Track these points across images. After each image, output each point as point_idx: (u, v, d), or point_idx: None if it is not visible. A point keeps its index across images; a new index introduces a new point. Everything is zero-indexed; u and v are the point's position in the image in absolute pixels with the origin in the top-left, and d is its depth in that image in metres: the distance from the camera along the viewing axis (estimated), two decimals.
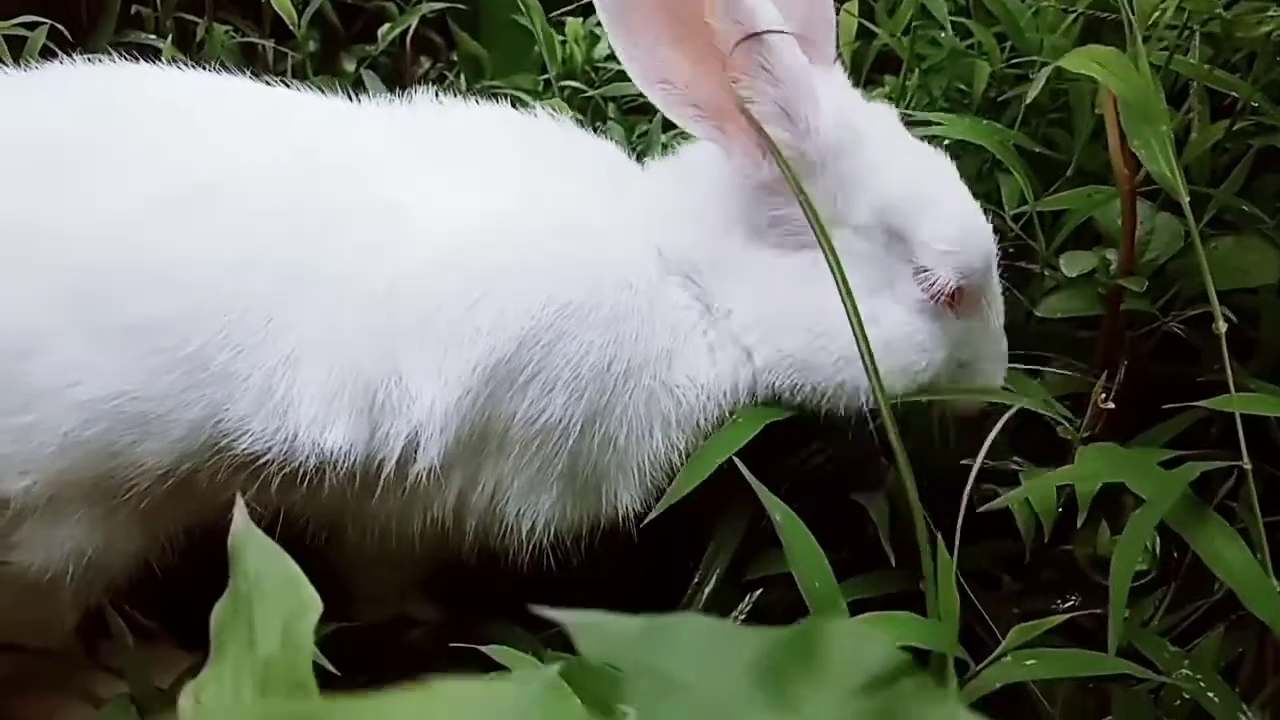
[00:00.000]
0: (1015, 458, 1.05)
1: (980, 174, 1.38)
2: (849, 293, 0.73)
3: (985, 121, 1.27)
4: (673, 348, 0.95)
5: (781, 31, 0.87)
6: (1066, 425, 0.99)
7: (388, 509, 0.93)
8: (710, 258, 0.96)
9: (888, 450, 0.98)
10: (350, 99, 1.02)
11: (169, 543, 0.93)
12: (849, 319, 0.74)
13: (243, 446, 0.85)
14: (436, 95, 1.02)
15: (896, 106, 1.45)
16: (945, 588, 0.72)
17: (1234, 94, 1.13)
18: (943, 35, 1.47)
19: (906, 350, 0.94)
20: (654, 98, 0.91)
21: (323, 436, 0.85)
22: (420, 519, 0.94)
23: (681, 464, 0.96)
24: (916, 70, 1.43)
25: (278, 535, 0.90)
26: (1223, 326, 0.80)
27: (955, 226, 0.93)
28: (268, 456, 0.85)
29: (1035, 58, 1.31)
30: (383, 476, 0.88)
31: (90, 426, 0.82)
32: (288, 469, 0.86)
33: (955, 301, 0.94)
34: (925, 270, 0.93)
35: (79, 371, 0.82)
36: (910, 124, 1.30)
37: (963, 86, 1.44)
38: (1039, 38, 1.32)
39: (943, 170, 0.98)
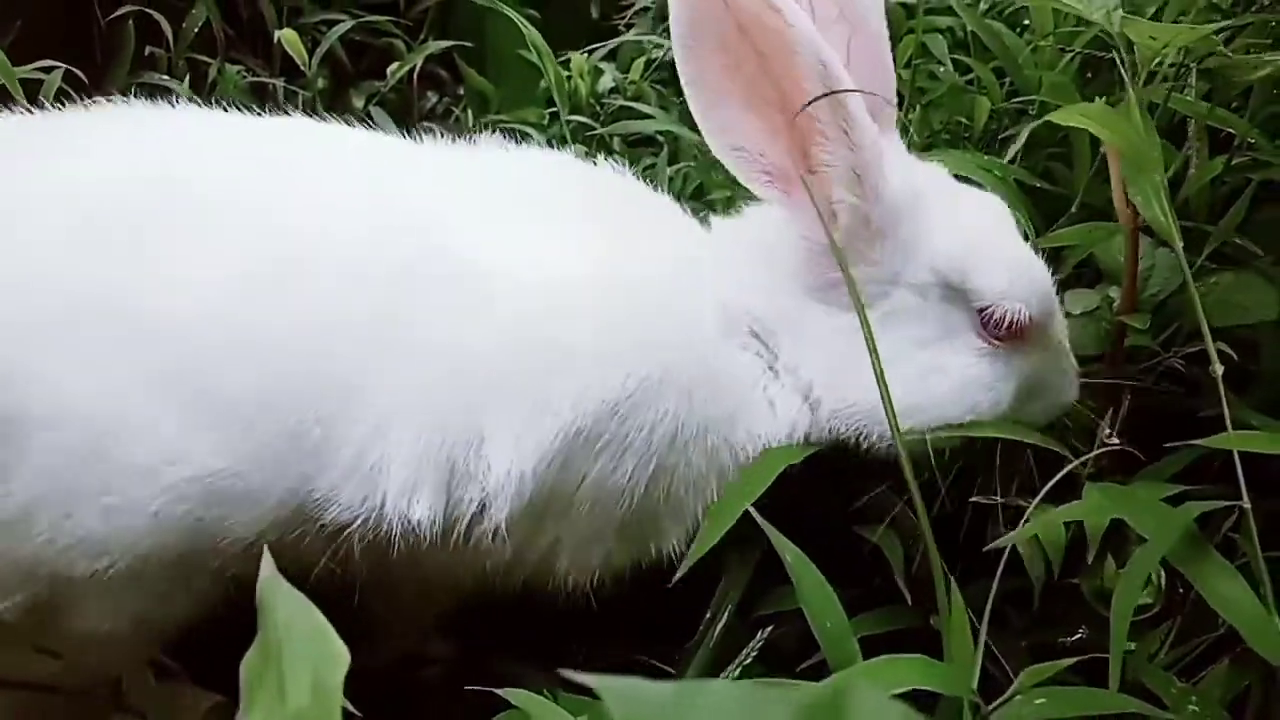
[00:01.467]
0: (1021, 494, 1.06)
1: None
2: (875, 350, 0.80)
3: (986, 157, 1.29)
4: (736, 407, 0.97)
5: (859, 91, 0.90)
6: (1072, 460, 1.01)
7: (442, 564, 0.93)
8: (775, 315, 0.99)
9: (900, 489, 1.01)
10: (415, 139, 1.03)
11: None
12: (873, 368, 0.79)
13: (330, 516, 0.85)
14: (504, 144, 1.04)
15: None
16: (958, 630, 0.73)
17: (1232, 130, 1.15)
18: (942, 70, 1.50)
19: (973, 392, 0.97)
20: (728, 163, 0.95)
21: (410, 507, 0.85)
22: (471, 572, 0.95)
23: None
24: (918, 105, 1.45)
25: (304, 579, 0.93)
26: (1219, 369, 0.81)
27: (1011, 269, 0.97)
28: (353, 526, 0.85)
29: (1035, 96, 1.32)
30: (453, 537, 0.89)
31: (181, 504, 0.81)
32: (373, 538, 0.86)
33: (1022, 337, 0.98)
34: (989, 307, 0.96)
35: (172, 451, 0.81)
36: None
37: (964, 120, 1.47)
38: (1038, 75, 1.34)
39: (997, 221, 1.01)
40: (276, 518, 0.84)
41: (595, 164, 1.07)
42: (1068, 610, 1.04)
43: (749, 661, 0.96)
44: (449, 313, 0.87)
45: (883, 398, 0.77)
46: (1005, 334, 0.97)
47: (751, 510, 0.90)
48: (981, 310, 0.96)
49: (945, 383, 0.97)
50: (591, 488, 0.92)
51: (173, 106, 0.99)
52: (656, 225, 1.03)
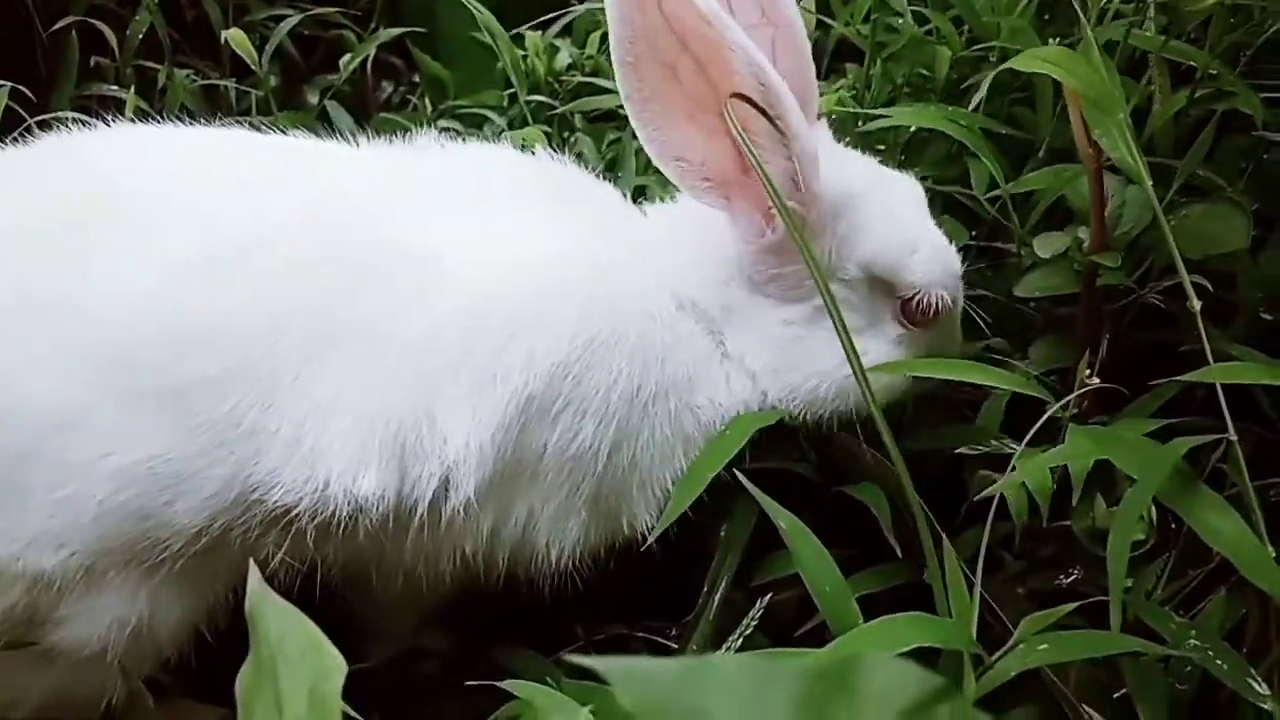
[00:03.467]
0: (1005, 438, 1.06)
1: (949, 157, 1.39)
2: (848, 336, 0.82)
3: (950, 107, 1.28)
4: (693, 372, 1.01)
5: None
6: (1054, 403, 1.01)
7: (419, 551, 0.94)
8: (720, 306, 1.03)
9: (882, 447, 1.01)
10: (353, 142, 1.04)
11: (217, 606, 0.94)
12: (847, 357, 0.82)
13: (274, 499, 0.86)
14: (439, 138, 1.06)
15: (861, 95, 1.47)
16: (955, 585, 0.73)
17: (1192, 63, 1.14)
18: (900, 22, 1.48)
19: (889, 375, 1.03)
20: (669, 173, 0.98)
21: (355, 484, 0.86)
22: (451, 558, 0.95)
23: None
24: (879, 60, 1.44)
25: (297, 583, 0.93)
26: (1197, 304, 0.81)
27: (938, 262, 1.03)
28: (299, 508, 0.86)
29: (994, 43, 1.32)
30: (416, 518, 0.89)
31: (124, 491, 0.83)
32: (320, 519, 0.86)
33: (935, 319, 1.04)
34: (915, 295, 1.02)
35: (113, 440, 0.83)
36: (877, 115, 1.32)
37: (925, 72, 1.46)
38: (996, 20, 1.33)
39: (918, 208, 1.06)
40: (220, 503, 0.86)
41: (534, 153, 1.09)
42: (1059, 551, 1.05)
43: (750, 631, 0.96)
44: (391, 299, 0.89)
45: (857, 377, 0.82)
46: (921, 318, 1.03)
47: (743, 478, 0.91)
48: (907, 299, 1.03)
49: (868, 365, 0.99)
50: (555, 454, 0.93)
51: (116, 120, 1.02)
52: (602, 211, 1.06)
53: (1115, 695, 0.89)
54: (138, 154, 0.97)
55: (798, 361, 1.02)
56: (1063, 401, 0.95)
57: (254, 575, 0.57)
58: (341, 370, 0.87)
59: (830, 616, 0.81)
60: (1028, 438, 0.94)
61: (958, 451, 1.05)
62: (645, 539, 0.98)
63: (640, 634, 1.10)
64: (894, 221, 1.03)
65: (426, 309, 0.90)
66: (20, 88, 1.34)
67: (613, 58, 0.93)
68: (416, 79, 1.94)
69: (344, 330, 0.87)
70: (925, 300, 1.02)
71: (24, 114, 1.33)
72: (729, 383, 1.03)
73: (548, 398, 0.91)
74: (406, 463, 0.88)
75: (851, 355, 0.82)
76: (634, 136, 1.51)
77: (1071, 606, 0.75)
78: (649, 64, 0.93)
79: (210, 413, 0.84)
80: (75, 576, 0.85)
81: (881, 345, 1.04)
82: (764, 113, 0.90)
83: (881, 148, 1.46)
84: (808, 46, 1.03)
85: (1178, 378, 0.89)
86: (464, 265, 0.92)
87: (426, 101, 1.81)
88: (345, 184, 0.98)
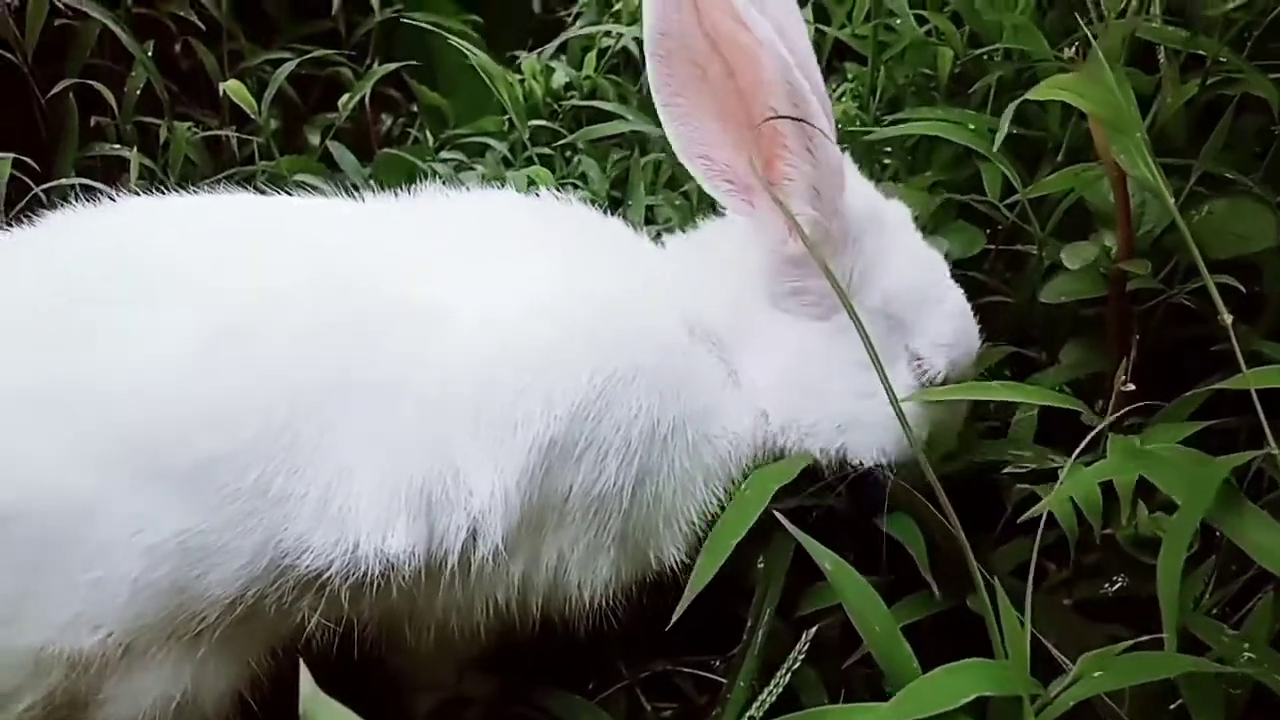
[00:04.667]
0: (1044, 450, 1.05)
1: (958, 159, 1.38)
2: (876, 357, 0.79)
3: (958, 110, 1.27)
4: (709, 403, 1.00)
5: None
6: (1089, 412, 1.00)
7: (450, 604, 0.94)
8: (732, 326, 1.02)
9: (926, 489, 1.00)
10: (357, 195, 1.04)
11: (258, 670, 0.93)
12: (879, 377, 0.79)
13: (305, 563, 0.85)
14: (443, 188, 1.05)
15: (866, 99, 1.46)
16: (1010, 626, 0.72)
17: (1201, 52, 1.13)
18: (898, 23, 1.47)
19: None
20: (692, 169, 0.98)
21: (385, 542, 0.86)
22: (483, 609, 0.95)
23: (720, 513, 0.97)
24: (881, 65, 1.43)
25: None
26: (1228, 319, 0.79)
27: (952, 327, 1.03)
28: (331, 570, 0.86)
29: (996, 41, 1.31)
30: (447, 570, 0.89)
31: (157, 568, 0.83)
32: (353, 579, 0.86)
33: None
34: (920, 359, 1.02)
35: (141, 519, 0.83)
36: (886, 122, 1.31)
37: (928, 72, 1.45)
38: (997, 19, 1.32)
39: (941, 268, 1.05)
40: (252, 572, 0.86)
41: (537, 194, 1.08)
42: (1105, 559, 1.04)
43: (797, 665, 0.95)
44: (404, 355, 0.89)
45: (892, 404, 0.79)
46: (928, 383, 1.02)
47: (783, 519, 0.90)
48: (919, 358, 1.01)
49: (879, 408, 0.95)
50: (580, 495, 0.93)
51: (121, 182, 1.00)
52: (609, 247, 1.05)
53: (1172, 707, 0.88)
54: (138, 229, 0.96)
55: (806, 385, 1.01)
56: (1106, 421, 0.93)
57: (306, 679, 0.57)
58: (362, 430, 0.86)
59: (880, 655, 0.80)
60: (1076, 452, 0.92)
61: (1003, 470, 1.04)
62: (675, 575, 0.98)
63: (683, 669, 1.09)
64: (924, 266, 1.03)
65: (440, 362, 0.89)
66: (23, 158, 1.33)
67: (645, 49, 0.93)
68: (416, 109, 1.94)
69: (361, 390, 0.87)
70: (935, 369, 1.01)
71: (29, 182, 1.33)
72: (740, 411, 1.01)
73: (569, 440, 0.91)
74: (434, 517, 0.88)
75: (876, 363, 0.80)
76: (642, 155, 1.51)
77: (1126, 645, 0.73)
78: (679, 60, 0.93)
79: (236, 483, 0.84)
80: (115, 657, 0.85)
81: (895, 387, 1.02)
82: (793, 117, 0.90)
83: (889, 149, 1.45)
84: (822, 82, 1.03)
85: (1212, 385, 0.88)
86: (474, 315, 0.91)
87: (427, 133, 1.80)
88: (350, 242, 0.97)
